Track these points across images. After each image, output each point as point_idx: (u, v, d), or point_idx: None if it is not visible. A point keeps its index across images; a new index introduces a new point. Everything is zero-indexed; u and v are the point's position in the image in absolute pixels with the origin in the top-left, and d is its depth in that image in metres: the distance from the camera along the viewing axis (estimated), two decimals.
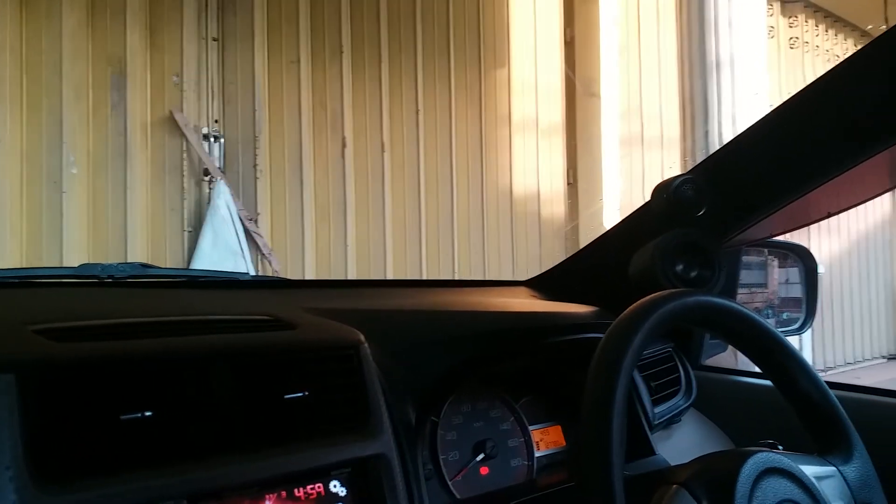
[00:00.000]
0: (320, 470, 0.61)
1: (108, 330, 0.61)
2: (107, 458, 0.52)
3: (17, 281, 0.99)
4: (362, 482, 0.64)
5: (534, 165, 4.94)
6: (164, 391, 0.56)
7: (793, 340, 1.38)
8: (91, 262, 1.17)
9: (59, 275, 1.07)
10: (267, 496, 0.58)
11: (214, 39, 3.96)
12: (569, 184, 5.02)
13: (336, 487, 0.62)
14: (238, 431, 0.58)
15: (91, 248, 3.53)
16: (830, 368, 6.24)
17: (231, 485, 0.56)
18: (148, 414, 0.54)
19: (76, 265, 1.11)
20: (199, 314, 0.71)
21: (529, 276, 1.35)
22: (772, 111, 0.91)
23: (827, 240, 6.31)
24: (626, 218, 1.17)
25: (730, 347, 1.28)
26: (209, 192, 3.83)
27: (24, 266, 3.14)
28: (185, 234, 3.79)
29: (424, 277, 4.49)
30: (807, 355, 5.09)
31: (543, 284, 1.31)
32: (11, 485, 0.46)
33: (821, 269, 1.42)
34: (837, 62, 0.80)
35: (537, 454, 0.97)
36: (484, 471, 0.91)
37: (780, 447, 0.75)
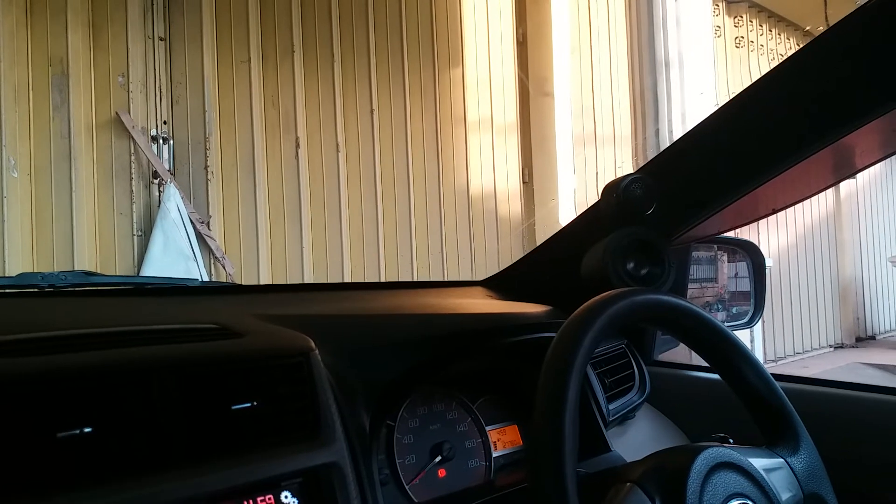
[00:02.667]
0: (270, 481, 0.60)
1: (45, 343, 0.58)
2: (43, 479, 0.50)
3: None
4: (315, 492, 0.62)
5: (490, 164, 4.96)
6: (104, 406, 0.54)
7: (743, 332, 1.41)
8: (36, 270, 1.12)
9: None
10: None
11: (161, 39, 3.87)
12: (524, 182, 5.05)
13: (287, 498, 0.61)
14: (183, 445, 0.56)
15: (35, 255, 3.42)
16: (780, 359, 6.42)
17: (176, 501, 0.54)
18: (87, 430, 0.52)
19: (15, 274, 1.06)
20: (143, 324, 0.68)
21: (488, 275, 1.35)
22: (716, 110, 0.93)
23: (774, 235, 6.49)
24: (578, 217, 1.18)
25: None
26: (159, 195, 3.74)
27: None
28: (135, 238, 3.69)
29: (383, 278, 4.47)
30: (757, 347, 5.24)
31: (499, 284, 1.31)
32: None
33: (769, 264, 1.46)
34: (779, 62, 0.82)
35: (495, 454, 0.97)
36: (441, 473, 0.91)
37: (731, 440, 0.76)
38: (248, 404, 0.61)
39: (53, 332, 0.61)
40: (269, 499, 0.59)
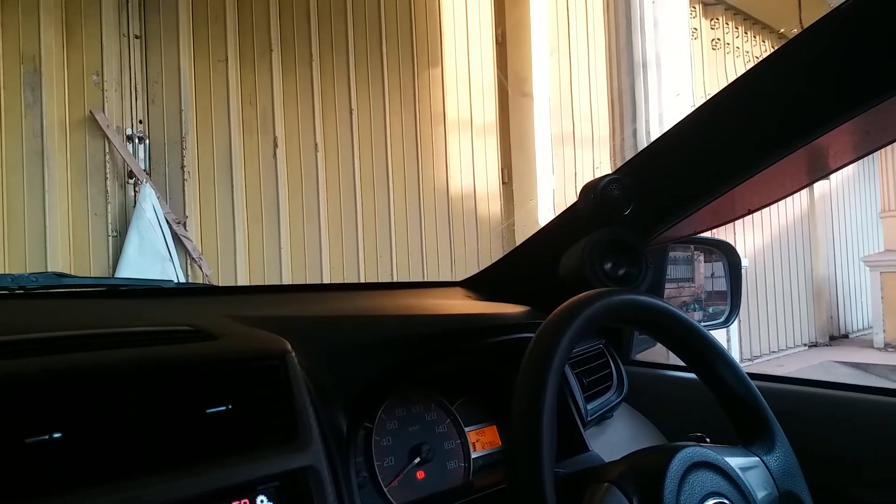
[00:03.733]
0: (246, 485, 0.59)
1: (12, 347, 0.57)
2: (12, 485, 0.48)
3: None
4: (292, 496, 0.61)
5: (469, 165, 4.97)
6: (74, 411, 0.53)
7: (719, 331, 1.42)
8: (7, 272, 1.10)
9: None
10: None
11: (136, 37, 3.82)
12: (504, 183, 5.07)
13: (263, 502, 0.60)
14: (157, 450, 0.55)
15: (7, 256, 3.35)
16: (756, 357, 6.51)
17: None
18: (56, 436, 0.51)
19: None
20: (115, 326, 0.67)
21: (468, 275, 1.35)
22: (692, 112, 0.94)
23: (750, 235, 6.58)
24: (556, 218, 1.18)
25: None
26: (135, 195, 3.69)
27: None
28: (110, 239, 3.64)
29: (363, 279, 4.46)
30: (734, 346, 5.30)
31: (478, 285, 1.31)
32: None
33: (745, 264, 1.47)
34: (753, 65, 0.83)
35: (474, 455, 0.97)
36: (420, 475, 0.91)
37: (708, 440, 0.77)
38: (223, 408, 0.60)
39: (22, 335, 0.60)
40: (245, 503, 0.58)
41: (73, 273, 1.36)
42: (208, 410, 0.59)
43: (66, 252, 3.52)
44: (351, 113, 4.48)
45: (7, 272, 1.18)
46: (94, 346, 0.59)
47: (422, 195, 4.75)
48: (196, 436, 0.58)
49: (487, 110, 5.06)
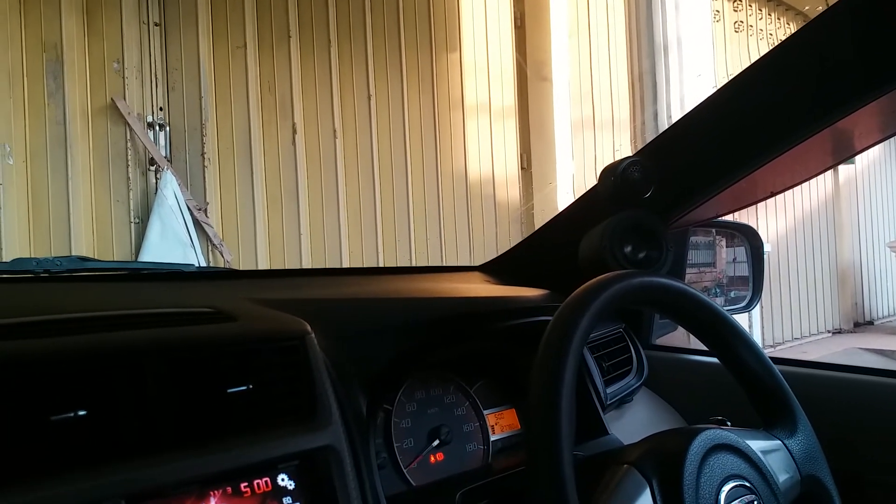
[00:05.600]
0: (267, 464, 0.59)
1: (38, 327, 0.58)
2: (38, 462, 0.49)
3: None
4: (311, 475, 0.62)
5: (488, 150, 4.94)
6: (98, 389, 0.54)
7: (742, 318, 1.40)
8: (33, 257, 1.12)
9: None
10: (211, 493, 0.56)
11: (156, 24, 3.84)
12: (523, 168, 5.04)
13: (284, 481, 0.60)
14: (178, 428, 0.56)
15: (32, 242, 3.41)
16: (779, 344, 6.44)
17: (171, 482, 0.54)
18: (81, 413, 0.52)
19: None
20: (138, 308, 0.68)
21: (486, 261, 1.35)
22: (714, 93, 0.92)
23: (773, 220, 6.49)
24: (576, 201, 1.17)
25: (680, 327, 1.30)
26: (156, 182, 3.72)
27: None
28: (132, 225, 3.68)
29: (381, 264, 4.47)
30: (755, 332, 5.25)
31: (496, 269, 1.31)
32: None
33: (767, 248, 1.45)
34: (777, 43, 0.81)
35: (493, 438, 0.97)
36: (439, 457, 0.91)
37: (729, 423, 0.76)
38: (244, 387, 0.60)
39: (47, 316, 0.61)
40: (266, 481, 0.59)
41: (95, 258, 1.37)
42: (229, 390, 0.60)
43: (89, 239, 3.56)
44: (369, 99, 4.47)
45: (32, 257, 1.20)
46: (118, 326, 0.60)
47: (440, 180, 4.74)
48: (217, 415, 0.58)
49: (506, 95, 5.02)
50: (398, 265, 4.51)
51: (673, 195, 1.00)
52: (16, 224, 3.36)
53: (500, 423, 1.00)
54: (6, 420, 0.49)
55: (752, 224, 1.44)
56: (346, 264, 4.35)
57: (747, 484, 0.65)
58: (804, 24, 0.78)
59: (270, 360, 0.63)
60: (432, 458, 0.90)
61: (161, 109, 3.85)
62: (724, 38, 6.03)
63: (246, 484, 0.58)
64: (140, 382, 0.55)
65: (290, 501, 0.60)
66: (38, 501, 0.48)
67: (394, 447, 0.87)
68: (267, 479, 0.59)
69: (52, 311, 0.63)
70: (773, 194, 1.03)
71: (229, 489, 0.57)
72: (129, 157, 3.68)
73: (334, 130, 4.34)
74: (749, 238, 1.40)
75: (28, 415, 0.50)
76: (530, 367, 0.65)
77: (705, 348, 0.83)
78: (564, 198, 4.83)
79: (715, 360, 0.84)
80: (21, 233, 3.38)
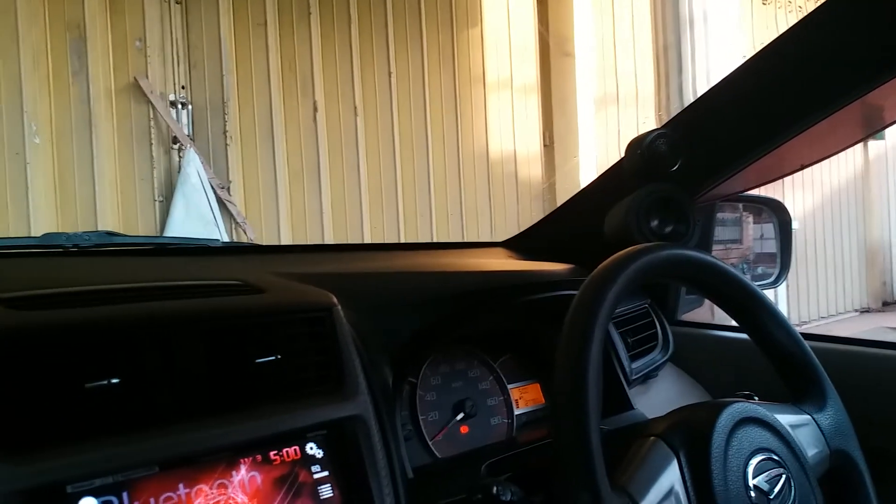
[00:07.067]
0: (296, 433, 0.60)
1: (72, 297, 0.59)
2: (74, 427, 0.50)
3: None
4: (340, 444, 0.63)
5: (509, 126, 4.91)
6: (130, 358, 0.54)
7: (768, 294, 1.39)
8: (62, 232, 1.14)
9: (22, 245, 1.04)
10: (241, 460, 0.57)
11: (178, 2, 3.84)
12: (545, 146, 5.00)
13: (312, 450, 0.61)
14: (209, 396, 0.57)
15: (60, 220, 3.46)
16: (805, 322, 6.36)
17: (203, 450, 0.55)
18: (115, 381, 0.53)
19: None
20: (166, 280, 0.69)
21: (507, 237, 1.34)
22: (742, 64, 0.90)
23: (801, 194, 6.38)
24: (601, 175, 1.16)
25: (706, 303, 1.29)
26: (179, 161, 3.75)
27: None
28: (157, 203, 3.72)
29: (403, 240, 4.48)
30: (782, 309, 5.18)
31: (520, 244, 1.30)
32: None
33: (795, 225, 1.43)
34: (806, 14, 0.79)
35: (517, 412, 0.98)
36: (464, 430, 0.92)
37: (756, 398, 0.75)
38: (272, 357, 0.61)
39: (79, 287, 0.62)
40: (296, 449, 0.60)
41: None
42: (258, 360, 0.60)
43: (115, 217, 3.61)
44: (390, 76, 4.45)
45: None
46: (148, 297, 0.61)
47: (461, 157, 4.72)
48: (247, 384, 0.59)
49: (528, 71, 4.97)
50: (419, 241, 4.51)
51: (701, 168, 0.99)
52: (42, 201, 3.41)
53: (525, 398, 1.00)
54: (43, 386, 0.50)
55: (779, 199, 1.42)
56: (367, 240, 4.37)
57: (776, 457, 0.65)
58: None
59: (298, 331, 0.64)
60: (457, 431, 0.91)
61: (183, 88, 3.87)
62: (751, 12, 5.90)
63: (275, 452, 0.59)
64: (172, 352, 0.56)
65: (319, 470, 0.61)
66: (75, 465, 0.49)
67: (419, 419, 0.87)
68: (296, 447, 0.60)
69: (83, 284, 0.64)
70: (802, 167, 1.01)
71: (259, 457, 0.58)
72: (153, 136, 3.71)
73: (355, 108, 4.33)
74: (777, 212, 1.38)
75: (64, 382, 0.51)
76: (555, 342, 0.64)
77: (731, 324, 0.82)
78: (587, 174, 4.79)
79: (741, 335, 0.83)
80: (48, 210, 3.43)
